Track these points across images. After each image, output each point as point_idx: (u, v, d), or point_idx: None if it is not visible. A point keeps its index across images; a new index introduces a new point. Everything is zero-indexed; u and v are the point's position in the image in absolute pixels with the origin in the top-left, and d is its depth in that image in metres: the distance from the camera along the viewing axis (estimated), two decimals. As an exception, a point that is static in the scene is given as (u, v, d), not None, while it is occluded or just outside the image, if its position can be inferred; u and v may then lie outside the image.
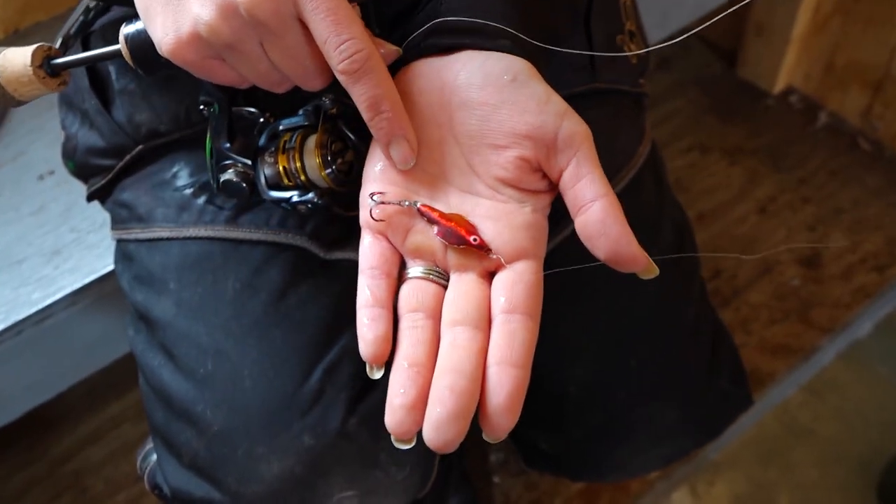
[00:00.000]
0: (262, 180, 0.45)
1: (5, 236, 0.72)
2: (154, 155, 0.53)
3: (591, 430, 0.57)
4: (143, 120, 0.51)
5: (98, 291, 0.69)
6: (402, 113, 0.36)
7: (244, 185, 0.45)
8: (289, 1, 0.34)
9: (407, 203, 0.37)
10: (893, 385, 1.10)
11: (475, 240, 0.35)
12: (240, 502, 0.47)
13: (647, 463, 0.61)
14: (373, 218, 0.37)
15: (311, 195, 0.44)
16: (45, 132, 0.80)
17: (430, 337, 0.34)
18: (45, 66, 0.43)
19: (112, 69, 0.51)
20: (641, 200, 0.56)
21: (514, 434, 0.71)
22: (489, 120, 0.36)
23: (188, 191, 0.52)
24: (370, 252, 0.37)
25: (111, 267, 0.67)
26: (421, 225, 0.37)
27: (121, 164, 0.53)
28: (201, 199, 0.51)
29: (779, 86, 1.35)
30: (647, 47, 0.59)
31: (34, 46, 0.42)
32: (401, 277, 0.37)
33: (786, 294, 1.10)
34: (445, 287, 0.36)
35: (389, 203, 0.37)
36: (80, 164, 0.55)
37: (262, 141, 0.45)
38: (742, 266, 1.13)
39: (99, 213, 0.72)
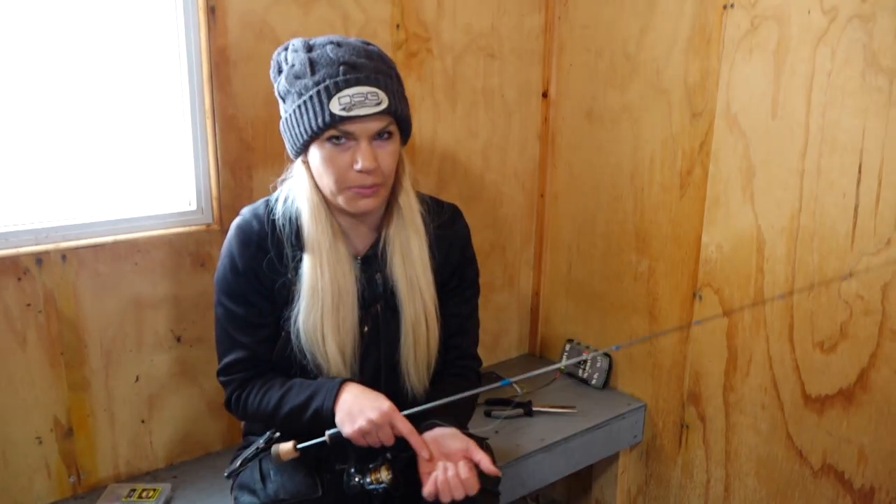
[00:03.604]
0: (364, 482, 1.19)
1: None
2: (278, 508, 1.22)
3: None
4: (280, 493, 1.22)
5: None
6: (417, 435, 1.15)
7: (358, 487, 1.19)
8: (387, 423, 1.14)
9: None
10: None
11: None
12: None
13: None
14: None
15: (384, 485, 1.18)
16: None
17: None
18: (297, 449, 1.17)
19: (271, 470, 1.23)
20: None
21: None
22: (450, 447, 1.18)
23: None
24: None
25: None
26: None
27: None
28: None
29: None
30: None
31: (291, 445, 1.16)
32: None
33: None
34: None
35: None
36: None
37: (363, 468, 1.20)
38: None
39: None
